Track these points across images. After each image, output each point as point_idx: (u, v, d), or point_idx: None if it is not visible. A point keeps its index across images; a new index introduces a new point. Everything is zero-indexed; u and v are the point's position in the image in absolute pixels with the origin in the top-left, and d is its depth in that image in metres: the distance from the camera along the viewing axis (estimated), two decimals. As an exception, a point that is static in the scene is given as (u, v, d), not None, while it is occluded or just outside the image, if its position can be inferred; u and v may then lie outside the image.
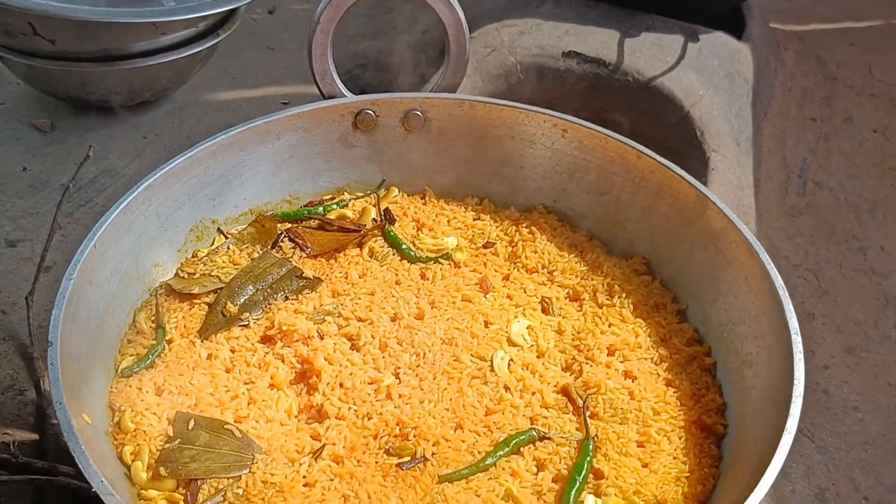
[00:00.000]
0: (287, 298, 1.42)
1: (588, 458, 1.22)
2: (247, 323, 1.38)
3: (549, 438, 1.26)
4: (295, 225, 1.54)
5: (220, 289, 1.42)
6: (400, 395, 1.29)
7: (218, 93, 2.31)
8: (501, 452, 1.23)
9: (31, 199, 1.91)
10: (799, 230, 2.17)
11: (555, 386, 1.34)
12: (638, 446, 1.26)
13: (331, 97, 1.56)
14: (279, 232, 1.51)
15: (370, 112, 1.56)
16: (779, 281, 1.29)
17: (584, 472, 1.21)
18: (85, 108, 2.13)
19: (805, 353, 1.22)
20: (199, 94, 2.27)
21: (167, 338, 1.36)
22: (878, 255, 2.12)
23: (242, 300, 1.40)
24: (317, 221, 1.55)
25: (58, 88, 2.07)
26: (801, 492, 1.68)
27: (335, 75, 1.53)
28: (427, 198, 1.64)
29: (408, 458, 1.21)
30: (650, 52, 2.14)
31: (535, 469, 1.23)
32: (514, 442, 1.24)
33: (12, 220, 1.85)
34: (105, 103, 2.09)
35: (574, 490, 1.18)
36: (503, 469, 1.22)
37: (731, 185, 1.95)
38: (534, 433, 1.26)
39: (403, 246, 1.51)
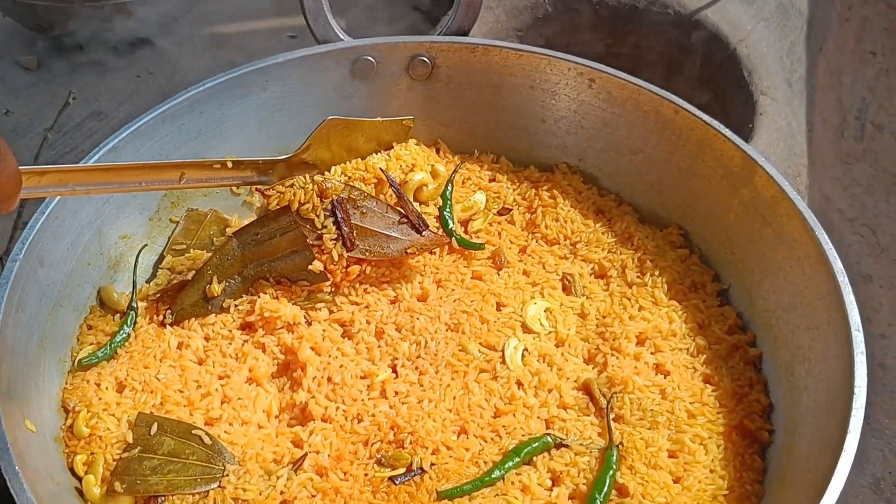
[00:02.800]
0: (279, 283, 1.25)
1: (611, 472, 1.08)
2: (227, 308, 1.23)
3: (566, 446, 1.12)
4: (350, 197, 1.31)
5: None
6: (396, 393, 1.16)
7: (220, 26, 2.15)
8: (511, 463, 1.09)
9: (12, 144, 1.72)
10: (855, 179, 1.98)
11: (575, 381, 1.19)
12: (669, 457, 1.12)
13: (325, 41, 1.40)
14: (332, 199, 1.28)
15: (370, 58, 1.40)
16: (838, 265, 1.12)
17: (605, 488, 1.06)
18: (73, 46, 1.99)
19: (860, 321, 1.06)
20: (198, 28, 2.11)
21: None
22: (944, 208, 1.93)
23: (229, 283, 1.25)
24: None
25: (42, 24, 1.95)
26: (853, 481, 1.54)
27: (329, 16, 1.37)
28: (441, 152, 1.48)
29: (402, 471, 1.08)
30: (694, -19, 1.94)
31: (549, 483, 1.09)
32: (525, 451, 1.10)
33: (-12, 171, 1.71)
34: (95, 41, 1.97)
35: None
36: (512, 483, 1.08)
37: (781, 133, 1.75)
38: (549, 440, 1.11)
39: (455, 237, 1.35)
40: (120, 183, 1.10)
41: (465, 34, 1.41)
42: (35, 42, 2.01)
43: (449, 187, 1.38)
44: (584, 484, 1.07)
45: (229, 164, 1.18)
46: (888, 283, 1.79)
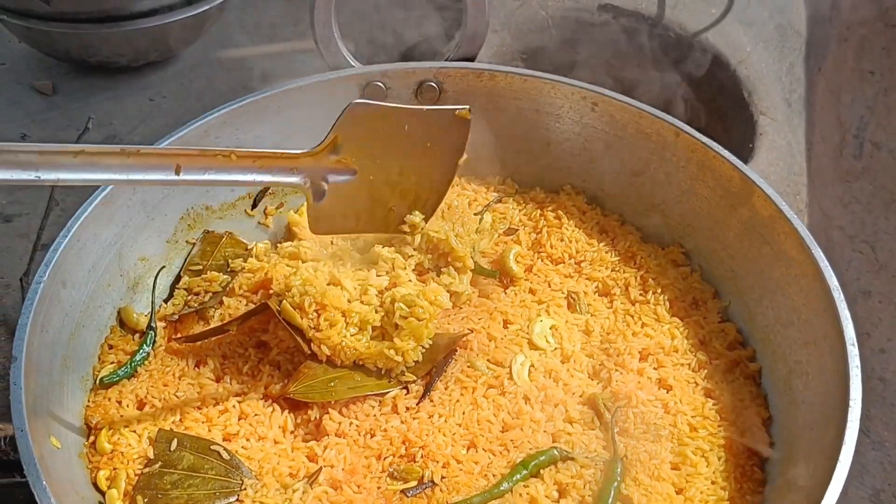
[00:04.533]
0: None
1: (615, 484, 1.11)
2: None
3: (572, 459, 1.15)
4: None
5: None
6: (407, 409, 1.19)
7: (231, 50, 2.17)
8: (518, 476, 1.12)
9: (29, 169, 1.81)
10: (855, 197, 2.02)
11: (580, 396, 1.22)
12: (672, 469, 1.15)
13: (336, 68, 1.44)
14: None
15: (380, 84, 1.44)
16: (834, 282, 1.16)
17: (610, 499, 1.10)
18: (88, 69, 2.02)
19: (860, 336, 1.10)
20: (210, 52, 2.14)
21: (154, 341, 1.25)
22: (942, 225, 1.97)
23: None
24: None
25: (58, 50, 1.97)
26: (854, 493, 1.58)
27: (340, 43, 1.42)
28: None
29: (414, 483, 1.11)
30: (694, 5, 2.00)
31: (555, 495, 1.12)
32: (532, 464, 1.13)
33: (8, 192, 1.75)
34: (109, 65, 1.98)
35: None
36: (520, 495, 1.11)
37: (780, 152, 1.79)
38: (555, 453, 1.14)
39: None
40: (104, 169, 1.01)
41: (472, 60, 1.45)
42: (50, 67, 2.04)
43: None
44: (589, 495, 1.10)
45: (234, 157, 1.13)
46: (887, 299, 1.82)
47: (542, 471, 1.13)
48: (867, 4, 2.41)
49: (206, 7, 1.93)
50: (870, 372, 1.72)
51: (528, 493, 1.10)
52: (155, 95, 2.02)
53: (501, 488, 1.10)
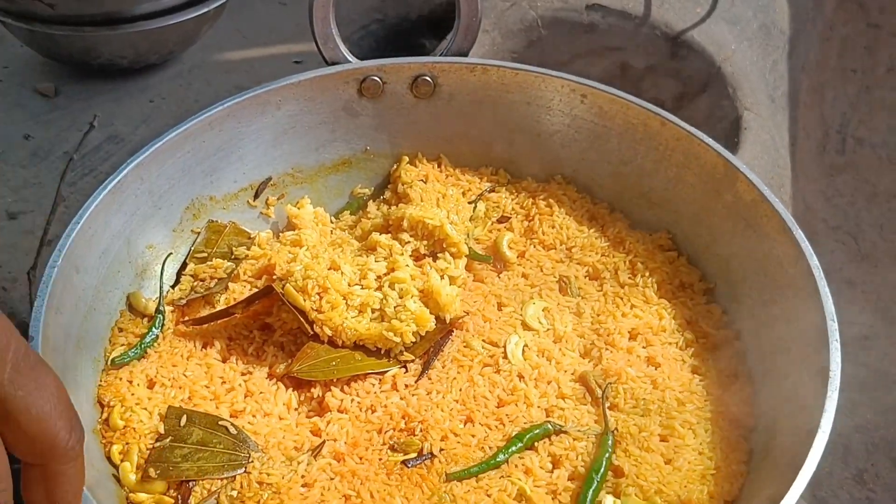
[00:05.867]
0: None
1: (607, 455, 1.15)
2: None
3: (565, 432, 1.19)
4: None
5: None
6: (406, 386, 1.23)
7: (228, 52, 2.22)
8: (514, 448, 1.16)
9: (33, 168, 1.85)
10: (838, 190, 2.07)
11: (572, 374, 1.26)
12: (661, 441, 1.19)
13: (334, 63, 1.47)
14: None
15: (376, 78, 1.48)
16: (814, 260, 1.20)
17: (602, 469, 1.14)
18: (89, 72, 2.06)
19: (843, 324, 1.14)
20: (208, 55, 2.18)
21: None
22: (922, 217, 2.02)
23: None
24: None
25: (60, 53, 2.00)
26: (839, 474, 1.63)
27: (338, 39, 1.45)
28: (442, 166, 1.56)
29: (414, 455, 1.15)
30: (679, 4, 2.04)
31: (549, 466, 1.16)
32: (527, 437, 1.17)
33: (14, 190, 1.79)
34: (110, 67, 2.02)
35: (591, 490, 1.12)
36: (516, 466, 1.15)
37: (764, 146, 1.85)
38: (549, 427, 1.19)
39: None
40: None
41: (465, 55, 1.49)
42: (52, 71, 2.08)
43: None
44: (582, 466, 1.14)
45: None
46: (870, 288, 1.87)
47: (536, 443, 1.17)
48: (849, 4, 2.47)
49: (204, 10, 1.97)
50: (854, 358, 1.77)
51: (523, 464, 1.14)
52: (155, 97, 2.06)
53: (498, 459, 1.14)
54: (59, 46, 1.96)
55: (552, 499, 1.12)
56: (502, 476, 1.14)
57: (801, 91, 2.17)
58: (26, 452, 0.68)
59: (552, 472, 1.15)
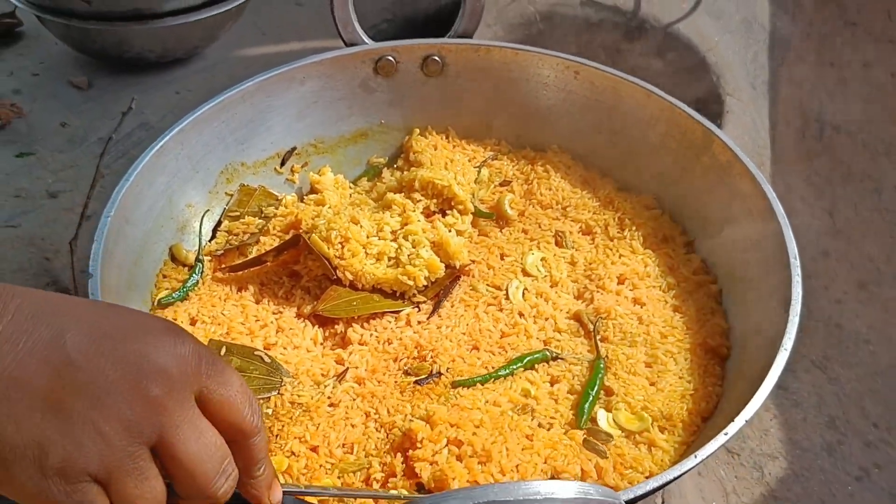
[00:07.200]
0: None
1: (600, 375, 1.29)
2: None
3: (562, 358, 1.33)
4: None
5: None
6: (419, 322, 1.37)
7: (248, 48, 2.35)
8: (515, 367, 1.30)
9: (70, 153, 1.98)
10: (816, 171, 2.21)
11: (567, 312, 1.40)
12: (646, 367, 1.32)
13: (352, 45, 1.62)
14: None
15: (390, 58, 1.62)
16: (779, 208, 1.34)
17: (596, 387, 1.27)
18: (120, 66, 2.19)
19: (819, 289, 1.27)
20: (229, 51, 2.32)
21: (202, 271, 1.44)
22: (892, 194, 2.16)
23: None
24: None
25: (94, 47, 2.13)
26: (813, 420, 1.75)
27: (356, 23, 1.60)
28: (450, 137, 1.70)
29: (425, 376, 1.28)
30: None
31: (549, 383, 1.30)
32: (527, 359, 1.31)
33: (53, 172, 1.92)
34: (139, 61, 2.15)
35: (588, 402, 1.25)
36: (518, 378, 1.29)
37: (745, 127, 2.00)
38: (547, 353, 1.32)
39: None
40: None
41: (470, 37, 1.64)
42: (85, 65, 2.21)
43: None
44: (578, 385, 1.28)
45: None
46: (843, 258, 2.02)
47: (536, 365, 1.31)
48: (828, 4, 2.62)
49: (226, 8, 2.10)
50: (827, 319, 1.92)
51: (525, 377, 1.29)
52: (181, 89, 2.19)
53: (500, 373, 1.28)
54: (93, 41, 2.10)
55: (554, 403, 1.26)
56: (506, 386, 1.28)
57: (782, 82, 2.31)
58: (226, 435, 0.84)
59: (553, 385, 1.30)
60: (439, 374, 1.29)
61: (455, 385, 1.27)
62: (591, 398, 1.26)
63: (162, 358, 0.78)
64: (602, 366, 1.31)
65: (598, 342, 1.35)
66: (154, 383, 0.77)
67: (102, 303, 0.84)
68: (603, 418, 1.25)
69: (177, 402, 0.79)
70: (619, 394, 1.28)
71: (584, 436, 1.21)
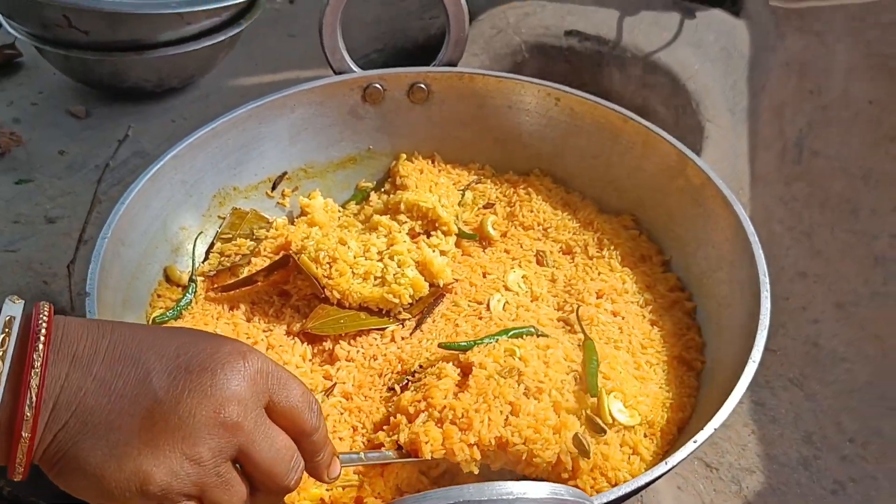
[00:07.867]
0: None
1: (594, 353, 1.31)
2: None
3: (548, 336, 1.36)
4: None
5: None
6: (402, 338, 1.41)
7: (242, 78, 2.41)
8: (501, 336, 1.33)
9: (68, 179, 2.02)
10: (794, 195, 2.27)
11: (549, 319, 1.44)
12: (635, 368, 1.36)
13: (341, 73, 1.66)
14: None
15: (378, 86, 1.67)
16: (750, 228, 1.39)
17: (594, 359, 1.29)
18: (117, 95, 2.24)
19: (797, 309, 1.31)
20: (223, 81, 2.37)
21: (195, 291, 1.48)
22: (869, 217, 2.22)
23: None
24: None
25: (92, 77, 2.18)
26: (790, 436, 1.79)
27: (344, 52, 1.64)
28: (436, 162, 1.74)
29: (404, 382, 1.32)
30: (648, 30, 2.25)
31: (539, 348, 1.31)
32: (513, 331, 1.34)
33: (51, 199, 1.96)
34: (136, 91, 2.20)
35: (591, 371, 1.27)
36: (507, 341, 1.32)
37: (724, 153, 2.05)
38: (533, 330, 1.36)
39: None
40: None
41: (455, 65, 1.69)
42: (83, 95, 2.26)
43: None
44: (574, 356, 1.30)
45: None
46: (821, 279, 2.07)
47: (524, 337, 1.33)
48: (808, 34, 2.68)
49: (220, 39, 2.16)
50: (805, 339, 1.97)
51: (512, 342, 1.31)
52: (176, 117, 2.23)
53: (485, 341, 1.31)
54: (91, 71, 2.15)
55: (544, 367, 1.27)
56: (490, 349, 1.30)
57: (762, 108, 2.37)
58: (291, 434, 0.95)
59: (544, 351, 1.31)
60: (415, 372, 1.33)
61: (441, 346, 1.32)
62: (594, 364, 1.28)
63: (234, 383, 0.89)
64: (594, 346, 1.33)
65: (584, 328, 1.39)
66: (230, 409, 0.88)
67: (180, 331, 0.95)
68: (616, 407, 1.26)
69: (251, 422, 0.89)
70: (614, 381, 1.29)
71: (582, 424, 1.22)
